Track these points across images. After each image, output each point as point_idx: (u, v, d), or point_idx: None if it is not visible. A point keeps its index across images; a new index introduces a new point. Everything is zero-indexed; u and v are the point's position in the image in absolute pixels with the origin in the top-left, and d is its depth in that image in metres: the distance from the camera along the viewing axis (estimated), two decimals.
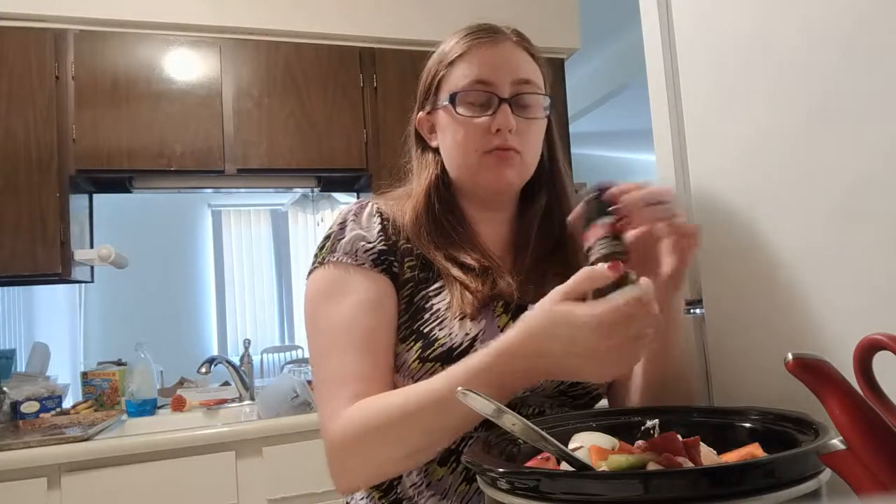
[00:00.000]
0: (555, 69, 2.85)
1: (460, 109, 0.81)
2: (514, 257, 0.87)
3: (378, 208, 0.85)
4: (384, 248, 0.80)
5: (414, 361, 0.76)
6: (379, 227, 0.82)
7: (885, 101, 0.61)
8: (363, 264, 0.79)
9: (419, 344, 0.76)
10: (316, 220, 5.12)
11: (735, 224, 0.82)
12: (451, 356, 0.74)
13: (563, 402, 0.81)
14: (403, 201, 0.86)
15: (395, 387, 0.77)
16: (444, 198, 0.85)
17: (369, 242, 0.80)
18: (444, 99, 0.83)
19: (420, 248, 0.82)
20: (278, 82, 2.43)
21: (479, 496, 0.74)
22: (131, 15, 2.31)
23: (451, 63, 0.83)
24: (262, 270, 5.92)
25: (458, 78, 0.82)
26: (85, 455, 1.75)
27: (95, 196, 2.54)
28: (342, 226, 0.83)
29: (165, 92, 2.30)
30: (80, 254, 2.24)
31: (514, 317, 0.78)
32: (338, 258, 0.79)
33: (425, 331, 0.77)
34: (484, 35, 0.82)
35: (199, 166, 2.33)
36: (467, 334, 0.76)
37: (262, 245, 5.89)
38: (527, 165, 0.84)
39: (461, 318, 0.76)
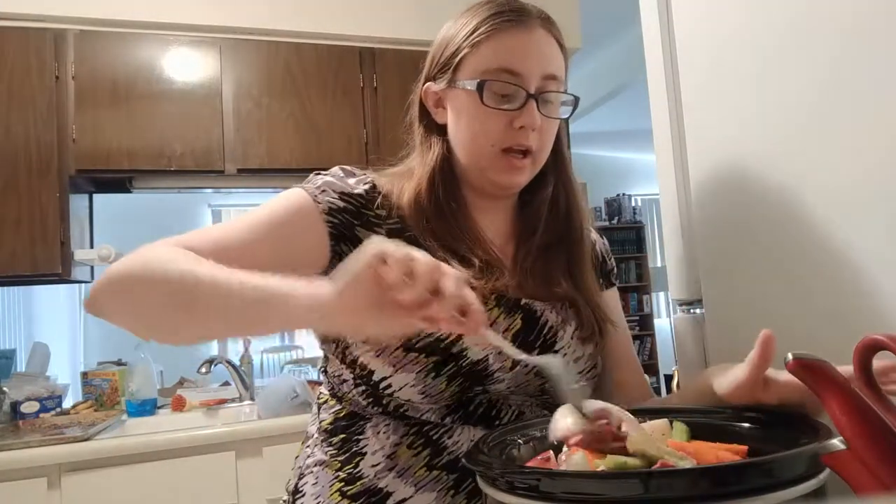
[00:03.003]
0: None
1: (485, 98, 0.75)
2: (515, 248, 0.84)
3: (373, 179, 0.80)
4: (352, 208, 0.76)
5: (397, 349, 0.71)
6: (363, 190, 0.78)
7: (886, 99, 0.61)
8: (319, 204, 0.75)
9: None
10: None
11: (735, 224, 0.82)
12: (437, 347, 0.71)
13: (545, 402, 0.78)
14: (403, 180, 0.81)
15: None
16: (448, 182, 0.80)
17: (337, 192, 0.76)
18: (466, 81, 0.77)
19: (415, 232, 0.78)
20: (278, 82, 2.42)
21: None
22: (131, 15, 2.31)
23: (477, 43, 0.76)
24: None
25: (484, 61, 0.76)
26: (85, 455, 1.75)
27: (95, 196, 2.54)
28: (327, 172, 0.80)
29: (165, 92, 2.30)
30: (80, 254, 2.24)
31: (508, 311, 0.77)
32: (303, 186, 0.77)
33: None
34: (513, 16, 0.76)
35: (199, 166, 2.33)
36: None
37: None
38: (538, 165, 0.80)
39: None
